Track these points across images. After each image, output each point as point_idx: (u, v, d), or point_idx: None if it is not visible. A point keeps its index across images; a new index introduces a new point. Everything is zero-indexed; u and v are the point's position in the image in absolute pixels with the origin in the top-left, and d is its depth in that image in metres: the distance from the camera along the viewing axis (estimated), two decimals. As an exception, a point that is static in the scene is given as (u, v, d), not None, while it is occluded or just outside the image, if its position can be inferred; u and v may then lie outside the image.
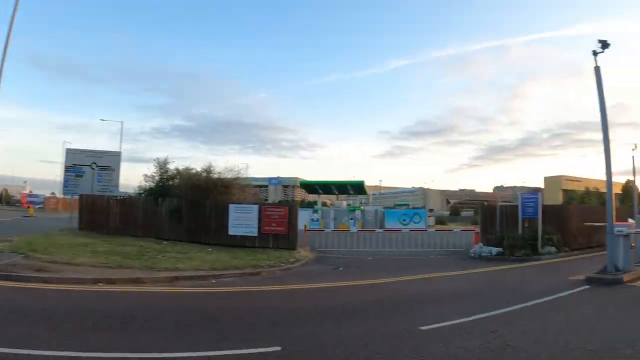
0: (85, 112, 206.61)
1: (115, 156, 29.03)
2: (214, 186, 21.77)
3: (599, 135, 14.93)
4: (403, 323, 8.04)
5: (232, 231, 20.29)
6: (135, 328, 7.39)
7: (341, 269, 16.19)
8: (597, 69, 14.52)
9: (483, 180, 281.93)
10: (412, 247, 21.74)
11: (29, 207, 60.19)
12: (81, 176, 27.49)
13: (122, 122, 71.77)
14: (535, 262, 18.53)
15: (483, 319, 8.36)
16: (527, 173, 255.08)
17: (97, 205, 24.20)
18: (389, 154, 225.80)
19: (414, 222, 45.29)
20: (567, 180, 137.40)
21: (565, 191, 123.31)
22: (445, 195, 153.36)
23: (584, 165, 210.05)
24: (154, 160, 24.28)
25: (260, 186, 72.31)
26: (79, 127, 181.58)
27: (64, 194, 30.64)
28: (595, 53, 14.27)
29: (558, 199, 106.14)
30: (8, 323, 7.24)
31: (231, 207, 20.56)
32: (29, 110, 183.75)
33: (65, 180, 27.91)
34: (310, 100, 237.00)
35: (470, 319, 8.24)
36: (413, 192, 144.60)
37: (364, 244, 21.91)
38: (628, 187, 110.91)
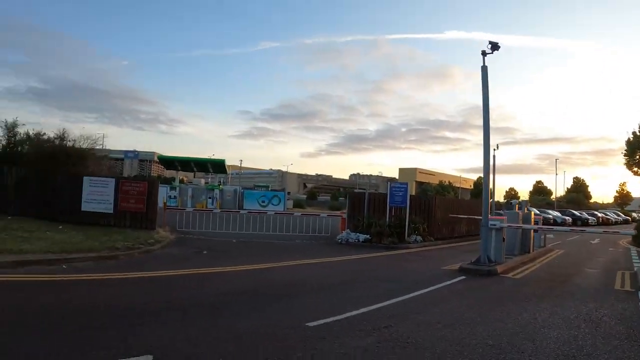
0: None
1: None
2: (67, 156, 20.26)
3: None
4: (287, 318, 7.54)
5: (85, 207, 18.97)
6: None
7: (205, 252, 15.68)
8: (484, 69, 15.15)
9: (340, 168, 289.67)
10: (277, 231, 21.82)
11: None
12: None
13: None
14: (404, 251, 19.36)
15: (371, 312, 8.19)
16: (383, 164, 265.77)
17: None
18: (248, 134, 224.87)
19: (273, 204, 45.93)
20: (421, 172, 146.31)
21: (419, 183, 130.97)
22: (303, 179, 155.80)
23: (437, 161, 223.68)
24: (2, 122, 22.29)
25: (116, 159, 68.75)
26: None
27: None
28: (484, 53, 14.84)
29: (411, 190, 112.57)
30: None
31: (85, 180, 19.13)
32: None
33: None
34: (174, 73, 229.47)
35: (358, 312, 8.07)
36: (271, 174, 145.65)
37: (227, 225, 21.56)
38: (479, 183, 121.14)
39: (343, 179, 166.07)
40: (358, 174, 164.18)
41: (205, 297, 9.12)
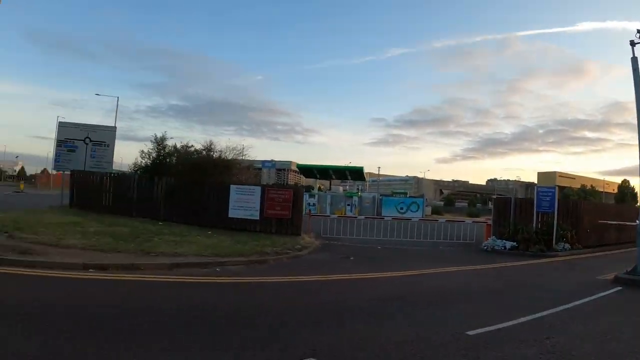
0: (79, 89, 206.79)
1: (110, 131, 27.69)
2: (214, 165, 20.70)
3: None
4: (444, 326, 7.07)
5: (232, 214, 19.28)
6: (131, 332, 6.03)
7: (352, 258, 15.16)
8: (634, 60, 13.69)
9: (476, 173, 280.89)
10: (420, 237, 20.70)
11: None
12: (74, 151, 26.18)
13: (117, 97, 70.89)
14: (552, 259, 17.85)
15: (529, 322, 7.54)
16: (521, 167, 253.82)
17: (89, 182, 22.91)
18: (382, 141, 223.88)
19: (411, 211, 44.74)
20: (561, 176, 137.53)
21: (560, 187, 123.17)
22: (439, 185, 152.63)
23: (577, 163, 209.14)
24: (152, 136, 23.27)
25: (255, 169, 71.16)
26: (73, 103, 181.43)
27: (55, 169, 29.22)
28: (633, 43, 13.56)
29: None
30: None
31: (232, 188, 19.54)
32: (22, 85, 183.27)
33: (57, 155, 26.57)
34: (306, 84, 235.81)
35: (516, 322, 7.46)
36: (407, 180, 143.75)
37: (370, 232, 20.82)
38: (624, 187, 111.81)
39: (479, 185, 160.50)
40: (495, 179, 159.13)
41: (357, 302, 8.84)
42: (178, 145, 23.46)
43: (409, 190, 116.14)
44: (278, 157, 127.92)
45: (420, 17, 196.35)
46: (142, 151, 23.43)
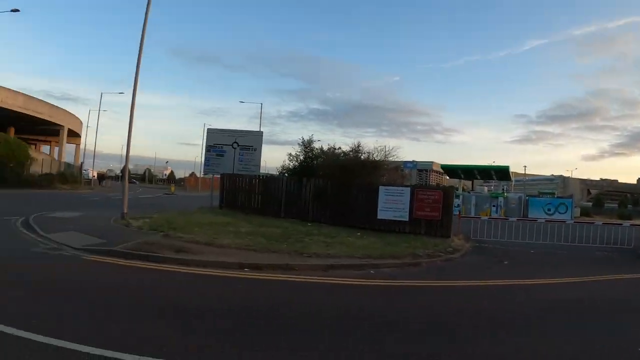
0: (223, 98, 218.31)
1: (257, 136, 28.63)
2: (362, 167, 20.56)
3: None
4: (616, 341, 6.51)
5: (381, 215, 19.01)
6: (293, 334, 6.01)
7: (505, 262, 14.46)
8: None
9: (626, 170, 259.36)
10: (575, 241, 19.06)
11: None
12: (222, 155, 27.34)
13: (261, 103, 74.16)
14: None
15: None
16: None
17: (238, 185, 23.77)
18: (525, 139, 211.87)
19: (560, 213, 42.09)
20: None
21: None
22: (586, 184, 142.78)
23: None
24: (298, 139, 23.78)
25: (402, 169, 71.11)
26: (218, 112, 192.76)
27: (205, 172, 30.67)
28: None
29: None
30: (143, 315, 6.43)
31: (381, 189, 19.31)
32: (170, 97, 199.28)
33: (207, 160, 27.96)
34: (444, 83, 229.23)
35: None
36: (552, 180, 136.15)
37: (522, 235, 19.44)
38: None
39: (630, 184, 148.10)
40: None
41: (516, 310, 8.45)
42: (325, 148, 23.69)
43: (555, 190, 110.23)
44: (419, 157, 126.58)
45: (557, 4, 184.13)
46: (290, 154, 24.12)
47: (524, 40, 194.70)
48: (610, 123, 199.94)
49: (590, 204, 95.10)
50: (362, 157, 21.09)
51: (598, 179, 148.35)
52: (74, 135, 68.07)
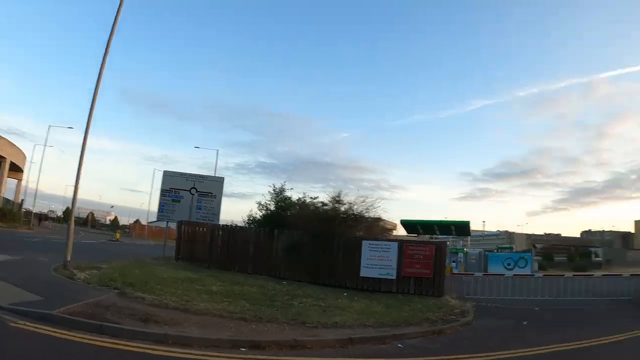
0: (172, 146, 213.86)
1: (218, 182, 26.66)
2: (342, 219, 18.68)
3: None
4: None
5: (364, 272, 17.27)
6: None
7: (525, 323, 13.17)
8: None
9: (568, 224, 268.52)
10: (567, 295, 18.19)
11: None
12: (179, 201, 25.23)
13: (217, 150, 72.27)
14: None
15: None
16: (615, 216, 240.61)
17: (198, 235, 21.56)
18: (470, 195, 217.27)
19: (519, 267, 41.16)
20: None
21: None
22: (532, 239, 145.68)
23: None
24: (271, 187, 22.31)
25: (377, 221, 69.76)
26: (166, 159, 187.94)
27: (159, 219, 27.99)
28: None
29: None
30: None
31: (364, 243, 17.61)
32: (117, 142, 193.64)
33: (161, 205, 25.64)
34: (392, 140, 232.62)
35: None
36: (498, 235, 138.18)
37: (519, 292, 18.36)
38: None
39: (573, 237, 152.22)
40: (589, 230, 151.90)
41: None
42: (295, 198, 21.86)
43: (502, 245, 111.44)
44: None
45: (502, 67, 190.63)
46: (259, 202, 22.10)
47: (470, 100, 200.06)
48: (551, 180, 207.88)
49: (540, 257, 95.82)
50: (342, 208, 19.10)
51: (542, 233, 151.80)
52: (16, 169, 63.69)
